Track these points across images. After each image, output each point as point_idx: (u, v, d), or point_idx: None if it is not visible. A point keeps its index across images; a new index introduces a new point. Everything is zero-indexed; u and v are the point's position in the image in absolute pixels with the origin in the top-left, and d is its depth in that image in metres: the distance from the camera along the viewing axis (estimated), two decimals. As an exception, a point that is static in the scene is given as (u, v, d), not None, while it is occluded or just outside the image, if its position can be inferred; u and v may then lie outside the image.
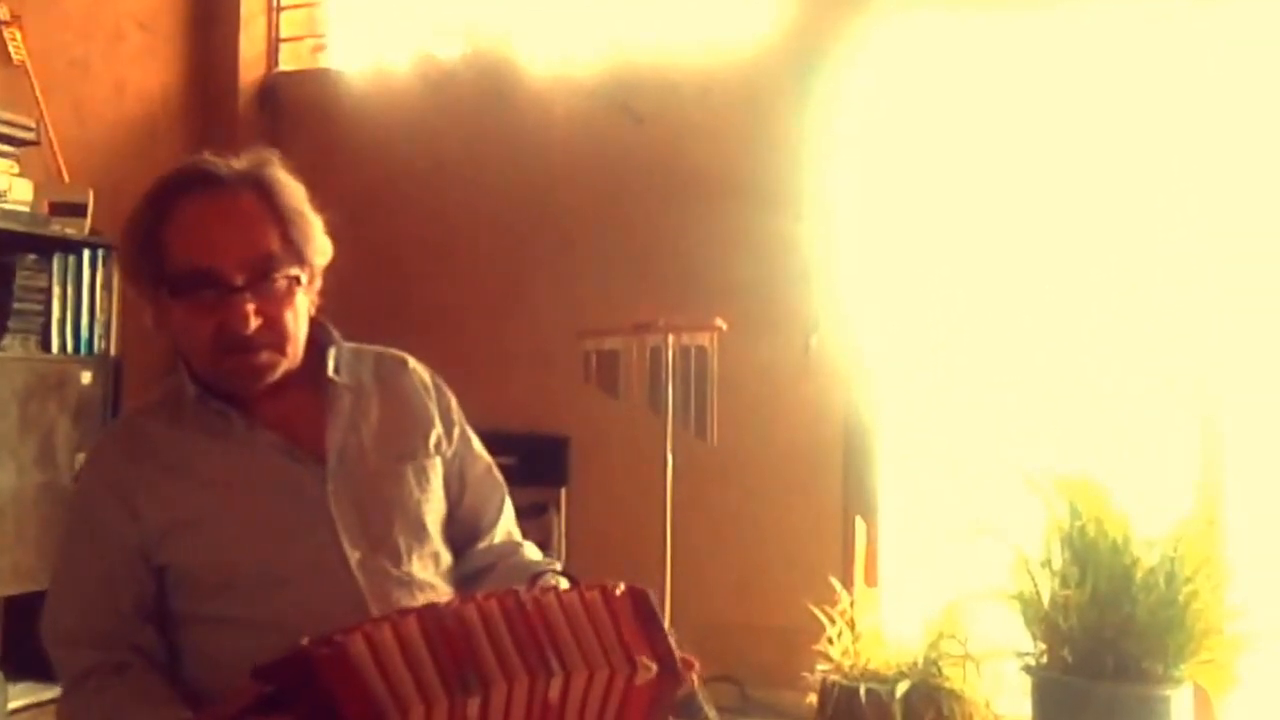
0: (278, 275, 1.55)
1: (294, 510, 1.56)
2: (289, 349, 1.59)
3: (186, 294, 1.53)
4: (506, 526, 1.82)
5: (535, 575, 1.62)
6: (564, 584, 1.59)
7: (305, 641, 1.22)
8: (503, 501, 1.82)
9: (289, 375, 1.61)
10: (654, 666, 1.37)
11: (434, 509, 1.68)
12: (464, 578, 1.72)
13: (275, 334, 1.56)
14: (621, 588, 1.40)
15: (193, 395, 1.60)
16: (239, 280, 1.52)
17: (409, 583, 1.59)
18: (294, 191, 1.61)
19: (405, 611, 1.28)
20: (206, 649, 1.54)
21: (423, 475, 1.67)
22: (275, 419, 1.60)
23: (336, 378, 1.65)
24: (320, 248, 1.61)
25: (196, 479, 1.56)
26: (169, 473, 1.56)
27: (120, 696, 1.49)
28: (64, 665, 1.55)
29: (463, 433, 1.78)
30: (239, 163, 1.59)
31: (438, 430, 1.73)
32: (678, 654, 1.41)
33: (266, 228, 1.56)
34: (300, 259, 1.58)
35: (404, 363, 1.77)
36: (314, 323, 1.66)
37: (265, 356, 1.56)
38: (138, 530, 1.54)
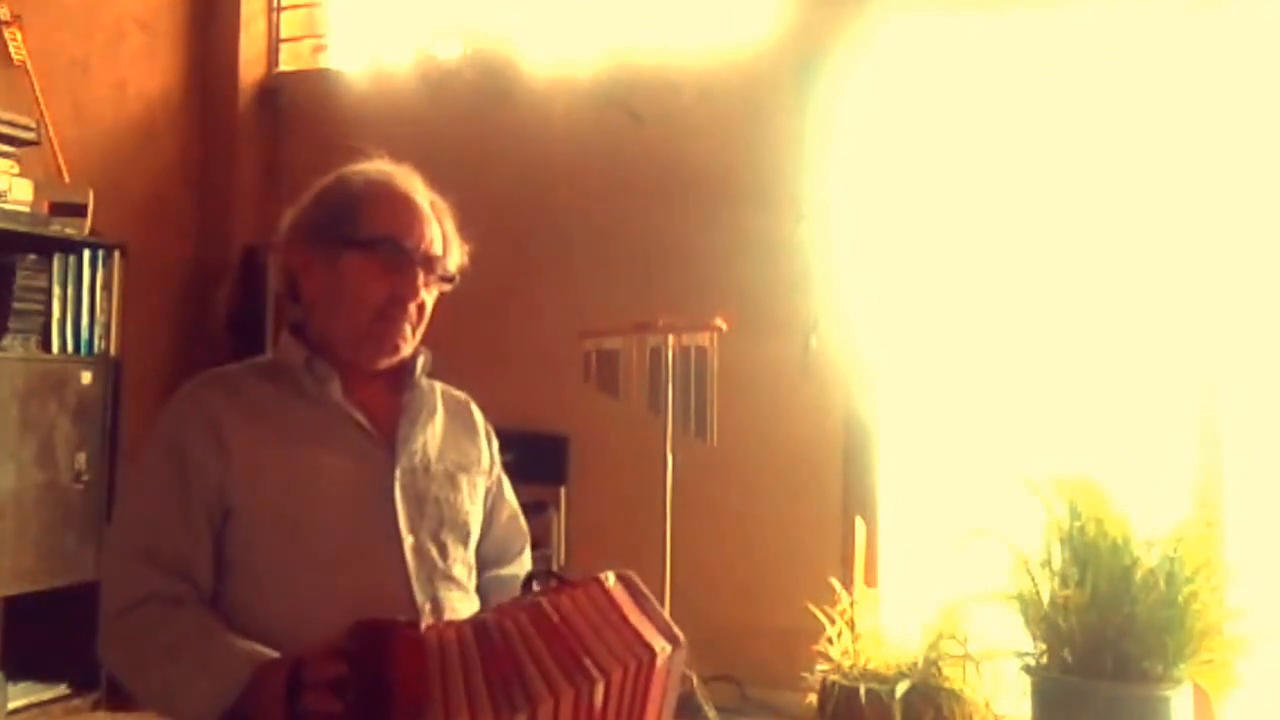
0: (436, 273, 1.73)
1: (363, 483, 1.65)
2: (417, 336, 1.74)
3: (374, 252, 1.67)
4: (521, 569, 1.88)
5: (527, 578, 1.63)
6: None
7: (401, 618, 1.30)
8: (523, 549, 1.91)
9: (380, 371, 1.73)
10: (668, 646, 1.41)
11: (476, 522, 1.78)
12: None
13: (420, 317, 1.72)
14: (611, 578, 1.45)
15: (301, 360, 1.69)
16: (416, 256, 1.70)
17: (450, 579, 1.67)
18: (451, 220, 1.79)
19: (462, 622, 1.33)
20: (246, 597, 1.58)
21: (474, 489, 1.79)
22: (358, 404, 1.70)
23: (419, 384, 1.77)
24: (456, 270, 1.77)
25: (283, 430, 1.65)
26: (258, 418, 1.65)
27: (189, 627, 1.53)
28: (121, 584, 1.57)
29: (500, 477, 1.88)
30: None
31: (484, 467, 1.84)
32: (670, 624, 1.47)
33: (437, 235, 1.75)
34: (447, 272, 1.75)
35: (467, 402, 1.89)
36: None
37: (408, 331, 1.71)
38: (222, 464, 1.60)
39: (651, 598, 1.46)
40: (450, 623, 1.34)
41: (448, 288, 1.76)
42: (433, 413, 1.78)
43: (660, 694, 1.43)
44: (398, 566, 1.61)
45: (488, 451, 1.85)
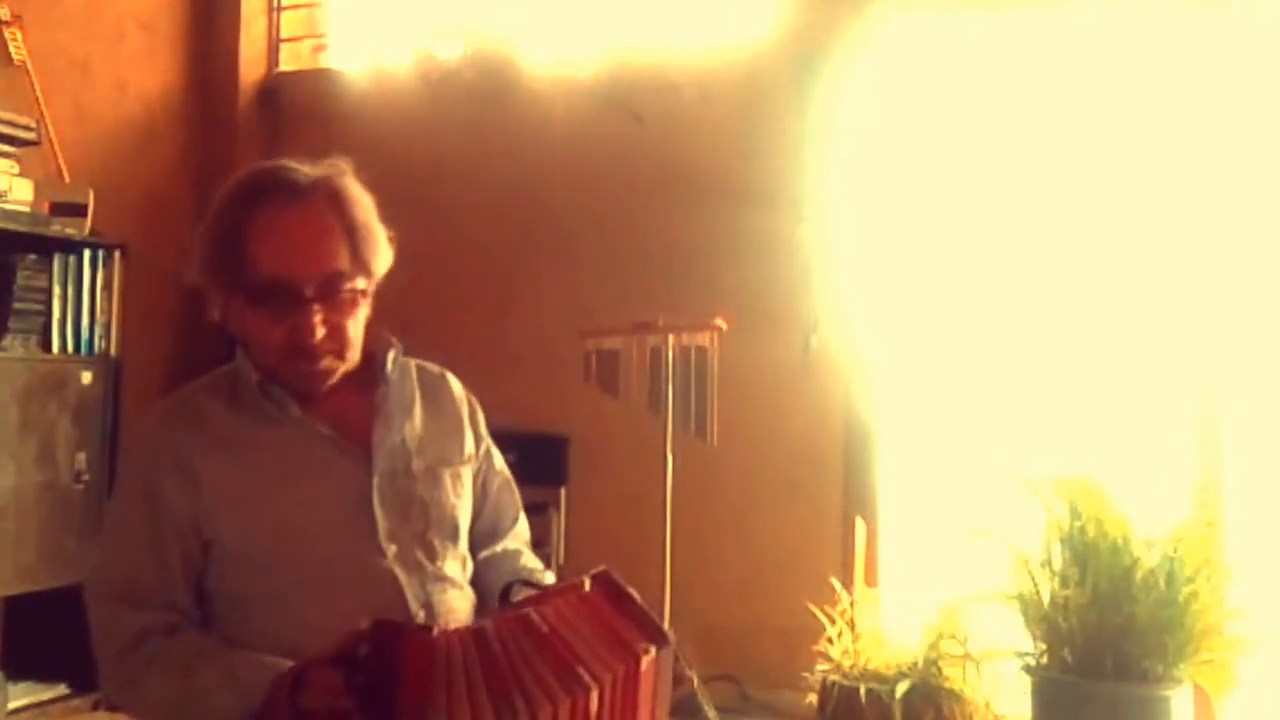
0: (345, 289, 1.61)
1: (340, 500, 1.63)
2: (349, 355, 1.66)
3: (261, 301, 1.59)
4: (515, 541, 1.88)
5: (504, 589, 1.63)
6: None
7: (416, 622, 1.32)
8: (516, 517, 1.89)
9: (344, 374, 1.68)
10: (652, 649, 1.42)
11: (464, 515, 1.75)
12: None
13: (337, 342, 1.63)
14: (588, 582, 1.45)
15: (255, 382, 1.65)
16: (309, 292, 1.58)
17: (442, 579, 1.65)
18: (364, 205, 1.66)
19: (464, 629, 1.34)
20: (236, 626, 1.58)
21: (458, 481, 1.75)
22: (327, 413, 1.67)
23: (391, 380, 1.72)
24: (384, 258, 1.68)
25: (251, 460, 1.62)
26: (226, 450, 1.62)
27: (192, 648, 1.53)
28: (112, 626, 1.57)
29: (488, 448, 1.85)
30: (315, 170, 1.65)
31: (470, 443, 1.80)
32: (655, 618, 1.47)
33: (339, 243, 1.61)
34: (366, 271, 1.64)
35: (444, 376, 1.84)
36: (369, 326, 1.71)
37: (327, 363, 1.64)
38: (194, 500, 1.59)
39: (632, 594, 1.47)
40: (455, 629, 1.34)
41: (371, 287, 1.65)
42: (409, 407, 1.73)
43: (650, 694, 1.44)
44: (386, 579, 1.59)
45: (470, 432, 1.80)
